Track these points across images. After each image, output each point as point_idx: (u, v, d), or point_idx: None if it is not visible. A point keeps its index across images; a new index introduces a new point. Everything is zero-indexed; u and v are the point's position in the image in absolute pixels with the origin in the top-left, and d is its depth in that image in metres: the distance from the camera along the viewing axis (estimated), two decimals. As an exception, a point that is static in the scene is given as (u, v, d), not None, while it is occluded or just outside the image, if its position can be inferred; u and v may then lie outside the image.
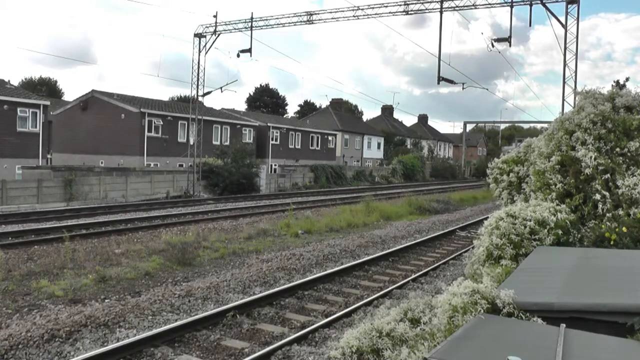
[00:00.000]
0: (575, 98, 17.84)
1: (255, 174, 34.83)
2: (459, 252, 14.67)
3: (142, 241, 15.11)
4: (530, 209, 8.12)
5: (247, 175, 33.77)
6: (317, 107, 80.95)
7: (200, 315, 8.35)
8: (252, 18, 29.17)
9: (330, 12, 27.20)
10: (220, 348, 7.34)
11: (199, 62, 31.08)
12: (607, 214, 8.59)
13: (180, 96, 70.49)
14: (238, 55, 29.81)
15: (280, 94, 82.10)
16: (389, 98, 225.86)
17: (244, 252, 14.10)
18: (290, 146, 51.74)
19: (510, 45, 23.77)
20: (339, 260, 13.47)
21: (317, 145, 56.01)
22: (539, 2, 22.28)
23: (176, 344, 7.40)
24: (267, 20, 29.05)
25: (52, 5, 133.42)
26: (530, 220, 7.69)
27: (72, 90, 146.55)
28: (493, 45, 24.13)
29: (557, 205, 8.75)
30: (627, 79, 11.44)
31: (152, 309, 8.69)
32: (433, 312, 5.67)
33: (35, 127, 31.12)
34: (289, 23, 28.39)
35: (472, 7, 24.06)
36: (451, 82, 25.90)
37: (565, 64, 22.20)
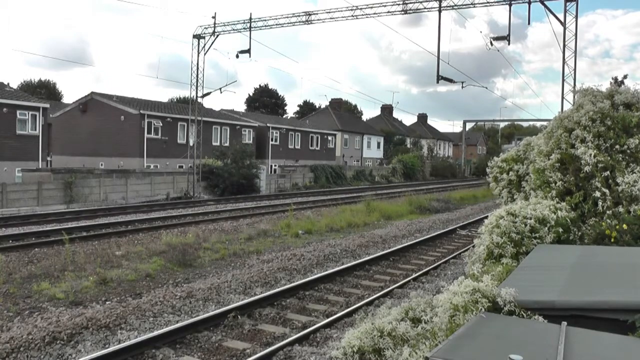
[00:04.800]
0: (574, 96, 17.84)
1: (255, 175, 34.82)
2: (459, 251, 14.67)
3: (142, 243, 15.11)
4: (531, 207, 8.11)
5: (247, 176, 33.77)
6: (317, 107, 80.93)
7: (202, 316, 8.36)
8: (250, 19, 29.18)
9: (329, 12, 27.22)
10: (222, 349, 7.35)
11: (197, 63, 31.12)
12: (607, 212, 8.57)
13: (179, 97, 70.46)
14: (237, 56, 29.85)
15: (279, 94, 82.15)
16: (387, 97, 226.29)
17: (245, 252, 14.10)
18: (290, 146, 51.73)
19: (509, 44, 23.82)
20: (339, 260, 13.47)
21: (317, 146, 56.00)
22: (538, 0, 22.28)
23: (177, 345, 7.41)
24: (265, 20, 29.07)
25: (46, 6, 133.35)
26: (530, 219, 7.68)
27: (69, 92, 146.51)
28: (492, 44, 24.16)
29: (557, 203, 8.74)
30: (625, 76, 11.33)
31: (153, 311, 8.69)
32: (434, 311, 5.66)
33: (35, 129, 31.11)
34: (288, 23, 28.42)
35: (471, 5, 24.07)
36: (450, 80, 25.90)
37: (564, 62, 22.21)
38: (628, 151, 9.08)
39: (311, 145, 55.03)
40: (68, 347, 7.12)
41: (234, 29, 29.86)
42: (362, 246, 15.34)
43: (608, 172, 8.90)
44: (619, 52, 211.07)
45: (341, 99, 73.35)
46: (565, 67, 22.24)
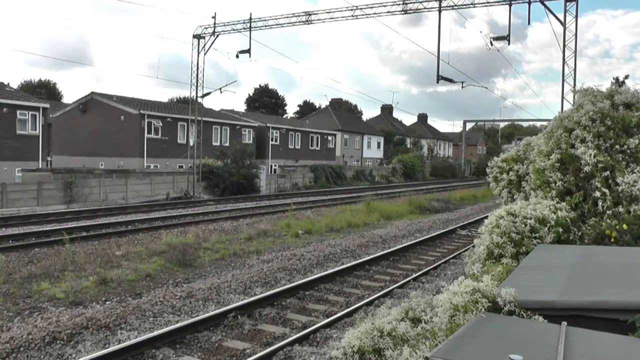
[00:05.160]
0: (574, 96, 17.84)
1: (255, 175, 34.82)
2: (459, 251, 14.67)
3: (142, 243, 15.11)
4: (531, 207, 8.11)
5: (247, 176, 33.77)
6: (317, 107, 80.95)
7: (202, 316, 8.36)
8: (250, 19, 29.18)
9: (329, 12, 27.22)
10: (222, 349, 7.35)
11: (197, 63, 31.12)
12: (607, 212, 8.57)
13: (179, 97, 70.45)
14: (237, 56, 29.85)
15: (279, 94, 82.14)
16: (387, 97, 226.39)
17: (245, 252, 14.10)
18: (290, 146, 51.73)
19: (509, 44, 23.83)
20: (339, 260, 13.47)
21: (317, 146, 56.00)
22: (538, 0, 22.28)
23: (177, 345, 7.41)
24: (266, 20, 29.07)
25: (46, 6, 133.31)
26: (530, 219, 7.68)
27: (69, 92, 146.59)
28: (492, 44, 24.16)
29: (557, 203, 8.74)
30: (626, 77, 11.34)
31: (153, 311, 8.69)
32: (434, 311, 5.66)
33: (35, 129, 31.11)
34: (288, 23, 28.42)
35: (471, 5, 24.07)
36: (450, 80, 25.91)
37: (564, 62, 22.21)
38: (628, 151, 9.08)
39: (311, 145, 55.03)
40: (68, 347, 7.12)
41: (234, 29, 29.87)
42: (362, 246, 15.34)
43: (608, 172, 8.90)
44: (619, 52, 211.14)
45: (341, 99, 73.38)
46: (565, 67, 22.25)
